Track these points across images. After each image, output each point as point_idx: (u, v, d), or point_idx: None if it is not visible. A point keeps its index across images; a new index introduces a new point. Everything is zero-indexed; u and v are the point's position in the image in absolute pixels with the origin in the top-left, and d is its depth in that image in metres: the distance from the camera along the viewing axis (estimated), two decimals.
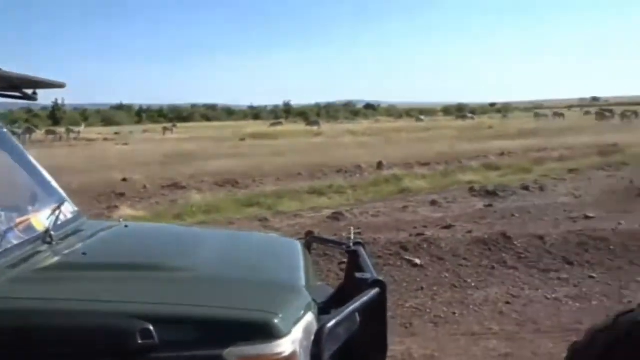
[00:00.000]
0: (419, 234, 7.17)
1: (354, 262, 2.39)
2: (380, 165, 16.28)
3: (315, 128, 41.31)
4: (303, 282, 2.13)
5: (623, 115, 42.60)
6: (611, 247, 6.39)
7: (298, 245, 2.75)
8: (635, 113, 43.22)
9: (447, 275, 5.82)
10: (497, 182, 12.73)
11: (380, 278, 2.03)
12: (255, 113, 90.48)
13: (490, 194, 11.22)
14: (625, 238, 6.56)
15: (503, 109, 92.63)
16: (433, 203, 10.56)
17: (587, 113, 60.45)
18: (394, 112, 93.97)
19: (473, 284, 5.60)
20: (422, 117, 64.34)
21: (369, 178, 14.38)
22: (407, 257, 6.15)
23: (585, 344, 2.08)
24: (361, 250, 2.47)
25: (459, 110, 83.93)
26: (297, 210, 10.37)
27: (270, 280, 2.12)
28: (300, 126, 46.61)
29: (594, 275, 5.76)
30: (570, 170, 14.58)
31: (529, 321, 4.75)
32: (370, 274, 2.13)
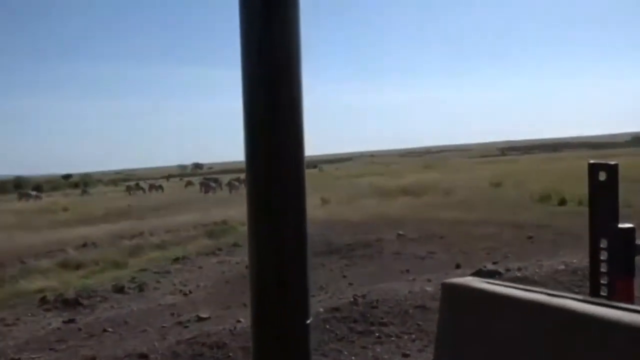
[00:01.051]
0: None
1: None
2: None
3: None
4: None
5: (230, 185, 48.93)
6: (230, 353, 7.04)
7: None
8: (238, 180, 50.34)
9: None
10: (79, 286, 12.70)
11: None
12: None
13: (71, 304, 11.11)
14: (246, 340, 7.35)
15: (82, 182, 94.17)
16: None
17: (190, 184, 66.88)
18: None
19: None
20: None
21: None
22: None
23: None
24: None
25: (18, 187, 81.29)
26: None
27: None
28: None
29: None
30: (176, 259, 15.66)
31: None
32: None
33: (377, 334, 7.59)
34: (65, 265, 15.74)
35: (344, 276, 12.01)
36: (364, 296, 8.96)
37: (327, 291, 10.37)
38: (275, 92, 1.03)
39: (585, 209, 1.61)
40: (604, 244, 1.86)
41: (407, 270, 12.09)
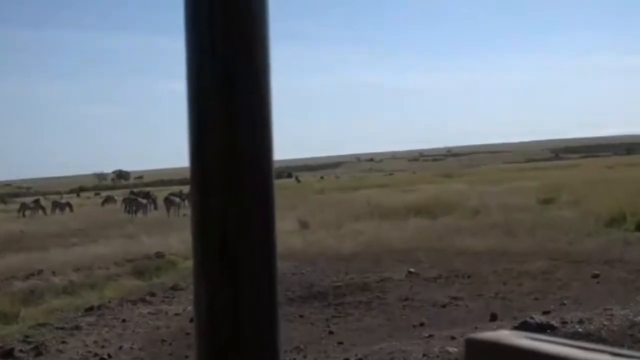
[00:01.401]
0: None
1: None
2: None
3: None
4: None
5: (169, 202, 48.91)
6: None
7: None
8: (180, 195, 50.41)
9: None
10: None
11: None
12: None
13: None
14: None
15: None
16: None
17: (110, 200, 66.99)
18: None
19: None
20: None
21: None
22: None
23: None
24: None
25: None
26: None
27: None
28: None
29: None
30: (89, 309, 15.57)
31: None
32: None
33: None
34: None
35: (331, 332, 11.98)
36: None
37: (305, 353, 10.35)
38: (233, 72, 1.00)
39: None
40: None
41: (422, 324, 12.09)
